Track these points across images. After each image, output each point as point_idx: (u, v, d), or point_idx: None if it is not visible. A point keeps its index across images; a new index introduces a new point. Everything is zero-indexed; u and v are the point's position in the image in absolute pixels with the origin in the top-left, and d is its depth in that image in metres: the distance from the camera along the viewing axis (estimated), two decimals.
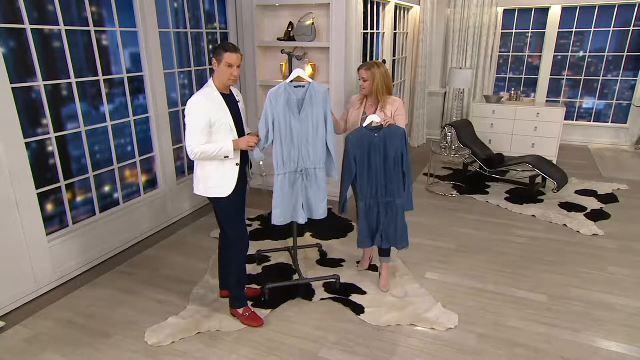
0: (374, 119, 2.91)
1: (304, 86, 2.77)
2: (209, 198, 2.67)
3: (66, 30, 3.19)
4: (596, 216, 4.45)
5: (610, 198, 4.93)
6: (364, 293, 3.15)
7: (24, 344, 2.66)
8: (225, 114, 2.55)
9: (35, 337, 2.72)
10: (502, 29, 7.31)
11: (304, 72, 2.81)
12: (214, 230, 4.06)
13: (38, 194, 3.10)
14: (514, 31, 7.36)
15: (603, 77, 7.15)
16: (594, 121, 7.39)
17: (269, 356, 2.55)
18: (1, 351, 2.60)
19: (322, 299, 3.09)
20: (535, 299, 3.10)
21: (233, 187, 2.63)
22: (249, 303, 2.94)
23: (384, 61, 5.44)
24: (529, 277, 3.37)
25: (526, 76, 7.51)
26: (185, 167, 4.60)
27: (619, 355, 2.56)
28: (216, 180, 2.61)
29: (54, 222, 3.32)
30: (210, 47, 4.70)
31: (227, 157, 2.56)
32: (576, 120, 7.47)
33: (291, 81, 2.78)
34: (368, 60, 5.38)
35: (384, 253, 3.19)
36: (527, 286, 3.25)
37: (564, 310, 2.98)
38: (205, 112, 2.48)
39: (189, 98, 2.51)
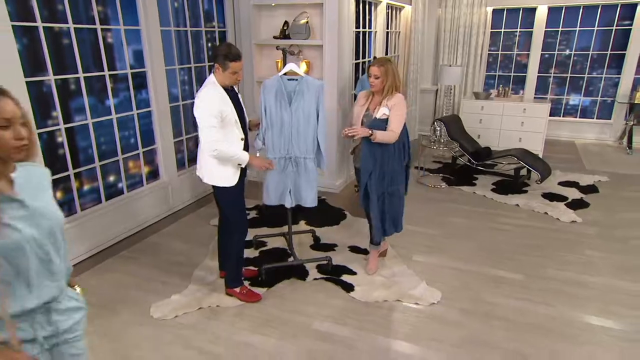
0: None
1: (296, 79, 2.98)
2: (213, 186, 2.87)
3: (74, 28, 3.40)
4: (576, 205, 4.68)
5: (590, 189, 5.16)
6: (354, 273, 3.37)
7: None
8: (231, 109, 2.72)
9: None
10: (491, 28, 7.54)
11: (296, 66, 3.03)
12: (213, 219, 4.26)
13: None
14: (502, 30, 7.60)
15: (588, 74, 7.40)
16: (580, 117, 7.64)
17: (266, 327, 2.76)
18: None
19: (315, 279, 3.30)
20: (513, 277, 3.32)
21: (237, 177, 2.83)
22: (246, 283, 3.15)
23: (375, 58, 5.64)
24: (509, 259, 3.59)
25: (515, 74, 7.74)
26: (185, 160, 4.80)
27: (589, 326, 2.79)
28: (223, 171, 2.79)
29: (63, 208, 3.45)
30: (210, 45, 4.91)
31: (240, 165, 2.77)
32: (563, 116, 7.72)
33: (284, 74, 2.99)
34: (360, 58, 5.60)
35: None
36: (506, 267, 3.47)
37: (540, 287, 3.20)
38: (218, 106, 2.64)
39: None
